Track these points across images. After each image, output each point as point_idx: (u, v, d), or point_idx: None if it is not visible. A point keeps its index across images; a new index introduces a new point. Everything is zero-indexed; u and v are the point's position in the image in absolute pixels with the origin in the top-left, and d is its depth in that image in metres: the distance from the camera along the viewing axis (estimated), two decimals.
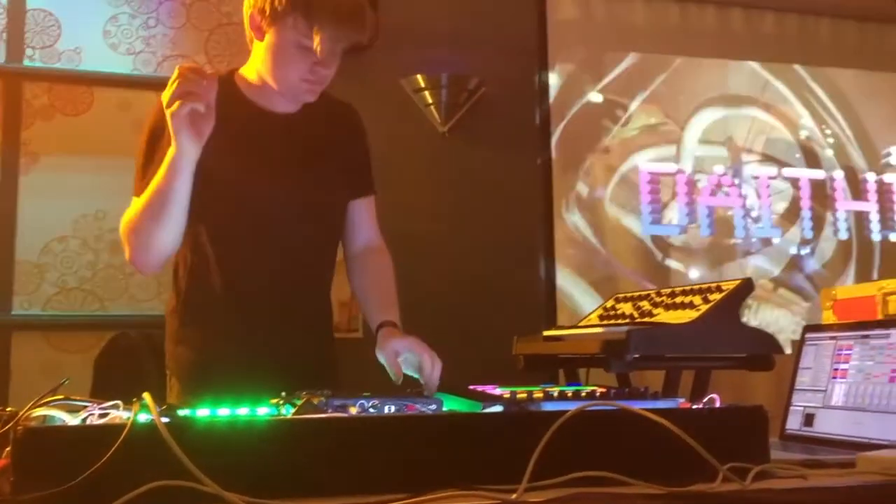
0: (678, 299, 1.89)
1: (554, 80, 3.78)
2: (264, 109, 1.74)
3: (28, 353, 3.28)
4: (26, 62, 3.41)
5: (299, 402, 1.29)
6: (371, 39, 1.71)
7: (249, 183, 1.70)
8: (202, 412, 1.19)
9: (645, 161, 3.91)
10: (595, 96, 3.87)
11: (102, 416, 1.16)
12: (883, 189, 4.24)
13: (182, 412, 1.16)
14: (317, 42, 1.58)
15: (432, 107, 3.56)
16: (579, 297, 3.69)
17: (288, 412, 1.28)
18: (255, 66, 1.73)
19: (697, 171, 3.97)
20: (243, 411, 1.25)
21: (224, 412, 1.21)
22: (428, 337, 2.70)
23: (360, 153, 1.86)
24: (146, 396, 1.11)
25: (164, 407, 1.14)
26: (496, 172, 3.66)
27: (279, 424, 1.17)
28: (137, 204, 1.72)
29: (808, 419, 1.70)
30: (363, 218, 1.86)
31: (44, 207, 3.37)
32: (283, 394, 1.34)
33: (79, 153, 3.42)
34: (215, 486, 1.00)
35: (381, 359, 1.68)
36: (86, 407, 1.19)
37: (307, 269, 1.78)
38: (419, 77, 3.54)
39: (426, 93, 3.53)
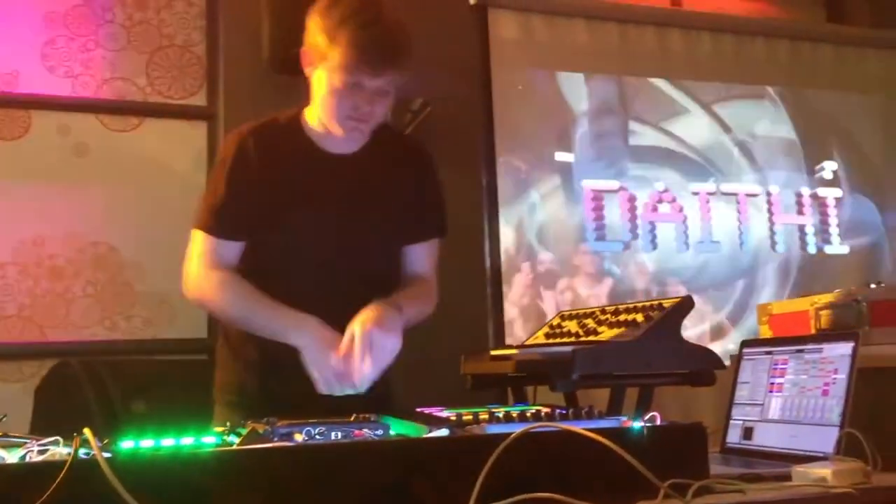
0: (622, 317, 1.92)
1: (497, 99, 3.82)
2: (326, 152, 1.76)
3: None
4: None
5: (244, 432, 1.29)
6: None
7: (306, 228, 1.73)
8: (145, 443, 1.18)
9: (588, 178, 3.97)
10: (538, 114, 3.93)
11: (42, 452, 1.14)
12: (817, 203, 4.37)
13: (124, 445, 1.15)
14: (359, 79, 1.63)
15: None
16: (527, 315, 3.73)
17: (233, 441, 1.27)
18: (311, 101, 1.77)
19: (639, 188, 4.05)
20: (188, 441, 1.24)
21: (168, 442, 1.20)
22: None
23: (426, 194, 1.87)
24: (87, 432, 1.10)
25: (106, 441, 1.13)
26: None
27: (222, 455, 1.17)
28: (237, 288, 1.71)
29: (747, 432, 1.75)
30: (419, 258, 1.86)
31: None
32: (228, 423, 1.34)
33: (16, 178, 3.35)
34: None
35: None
36: (25, 444, 1.17)
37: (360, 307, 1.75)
38: None
39: None
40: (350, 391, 1.58)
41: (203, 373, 3.17)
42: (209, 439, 1.26)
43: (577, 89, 4.02)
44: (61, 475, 1.02)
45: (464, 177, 3.76)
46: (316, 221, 1.74)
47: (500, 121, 3.80)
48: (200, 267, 1.73)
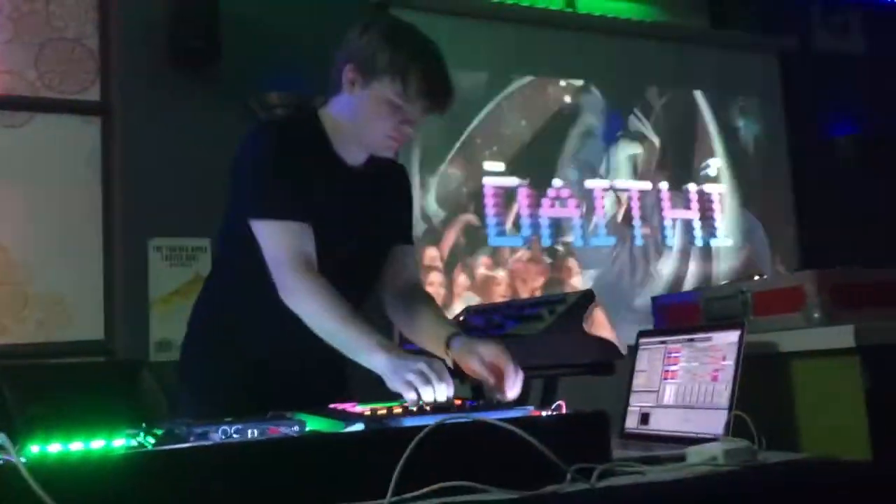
0: (526, 311, 2.00)
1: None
2: (340, 160, 1.81)
3: None
4: None
5: (160, 433, 1.29)
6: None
7: (321, 229, 1.76)
8: (52, 447, 1.16)
9: (489, 175, 4.07)
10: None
11: None
12: (703, 199, 4.60)
13: (37, 449, 1.13)
14: (408, 105, 1.69)
15: None
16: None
17: (149, 443, 1.27)
18: (340, 113, 1.78)
19: (537, 185, 4.16)
20: (98, 444, 1.22)
21: (78, 446, 1.18)
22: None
23: (406, 207, 1.98)
24: (1, 435, 1.08)
25: (18, 446, 1.11)
26: None
27: (136, 457, 1.17)
28: (329, 307, 1.69)
29: (644, 418, 1.84)
30: (406, 262, 1.93)
31: None
32: (144, 424, 1.33)
33: None
34: None
35: (468, 367, 1.69)
36: None
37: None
38: (269, 95, 3.54)
39: (274, 111, 3.53)
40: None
41: (100, 374, 3.11)
42: (119, 441, 1.26)
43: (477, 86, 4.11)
44: None
45: None
46: (329, 224, 1.78)
47: None
48: (280, 271, 1.73)
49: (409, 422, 1.36)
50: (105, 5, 3.55)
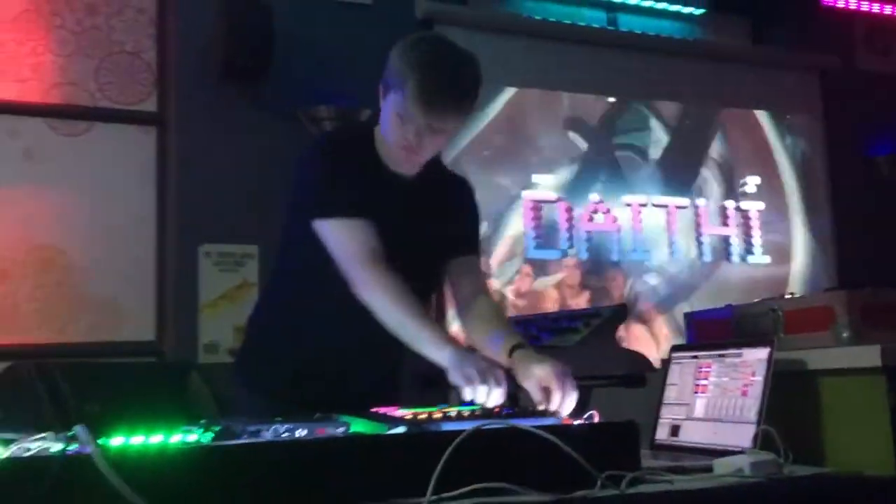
0: (562, 324, 2.07)
1: None
2: (390, 172, 1.85)
3: None
4: None
5: (217, 430, 1.38)
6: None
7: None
8: (116, 441, 1.26)
9: (529, 189, 4.14)
10: (482, 125, 4.09)
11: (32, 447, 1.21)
12: (741, 216, 4.62)
13: (110, 442, 1.23)
14: (411, 116, 1.71)
15: None
16: None
17: (207, 439, 1.36)
18: (379, 128, 1.84)
19: (576, 199, 4.23)
20: (158, 438, 1.31)
21: (155, 439, 1.27)
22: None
23: (470, 220, 2.00)
24: (79, 428, 1.18)
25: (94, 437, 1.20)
26: None
27: (204, 451, 1.26)
28: (399, 301, 1.74)
29: (675, 430, 1.89)
30: (470, 272, 1.97)
31: None
32: (203, 422, 1.43)
33: None
34: None
35: (522, 381, 1.73)
36: (14, 440, 1.24)
37: None
38: (318, 108, 3.66)
39: (323, 123, 3.65)
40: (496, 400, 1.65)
41: (152, 375, 3.23)
42: (179, 437, 1.35)
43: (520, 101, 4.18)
44: (56, 469, 1.11)
45: None
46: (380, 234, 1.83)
47: None
48: (352, 267, 1.78)
49: (449, 426, 1.43)
50: (163, 21, 3.70)
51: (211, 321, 3.45)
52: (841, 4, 5.02)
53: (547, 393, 1.68)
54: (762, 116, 4.77)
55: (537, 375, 1.70)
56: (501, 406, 1.66)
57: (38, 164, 3.47)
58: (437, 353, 1.68)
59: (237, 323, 3.43)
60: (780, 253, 4.67)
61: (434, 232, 1.91)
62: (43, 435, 1.24)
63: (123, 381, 3.02)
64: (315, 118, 3.71)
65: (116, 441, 1.24)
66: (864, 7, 5.08)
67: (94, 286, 3.48)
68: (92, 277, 3.48)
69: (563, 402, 1.67)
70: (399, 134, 1.75)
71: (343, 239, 1.78)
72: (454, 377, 1.65)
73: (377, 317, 1.75)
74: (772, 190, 4.73)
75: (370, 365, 1.92)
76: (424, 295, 1.94)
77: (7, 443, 1.24)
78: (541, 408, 1.68)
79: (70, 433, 1.21)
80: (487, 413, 1.56)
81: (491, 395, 1.61)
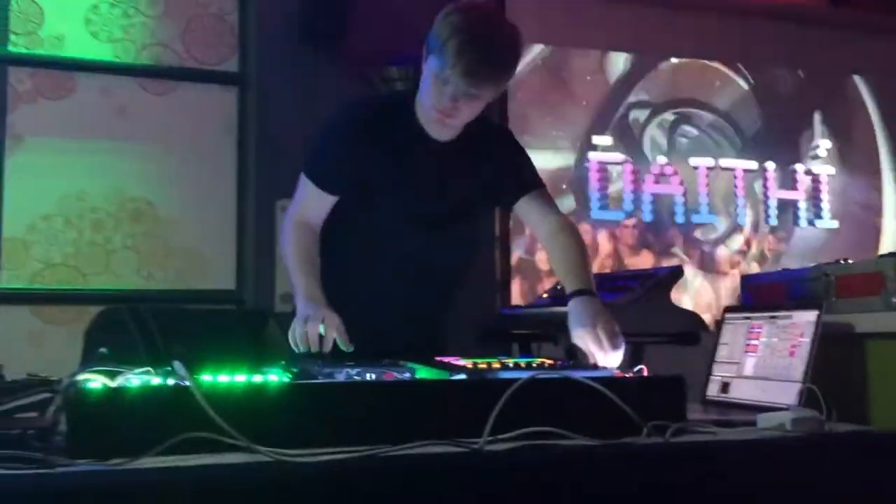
0: (619, 283, 2.16)
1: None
2: (430, 139, 1.91)
3: (15, 325, 3.43)
4: (10, 48, 3.52)
5: (296, 371, 1.53)
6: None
7: (402, 202, 1.94)
8: (206, 378, 1.41)
9: (595, 150, 4.19)
10: (550, 88, 4.14)
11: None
12: (811, 180, 4.58)
13: (204, 377, 1.39)
14: (448, 79, 1.74)
15: None
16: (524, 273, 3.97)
17: (287, 378, 1.51)
18: (419, 91, 1.88)
19: (641, 161, 4.26)
20: (241, 378, 1.46)
21: (240, 378, 1.42)
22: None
23: (516, 162, 2.04)
24: (177, 364, 1.34)
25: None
26: None
27: (287, 388, 1.41)
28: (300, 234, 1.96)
29: (725, 387, 1.98)
30: (538, 208, 2.01)
31: (29, 187, 3.51)
32: (283, 363, 1.58)
33: (62, 135, 3.57)
34: (245, 439, 1.24)
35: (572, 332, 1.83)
36: (121, 373, 1.41)
37: (434, 276, 2.02)
38: (392, 69, 3.77)
39: (397, 83, 3.75)
40: None
41: (232, 321, 3.42)
42: (273, 377, 1.50)
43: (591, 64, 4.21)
44: (159, 397, 1.27)
45: None
46: (408, 199, 1.93)
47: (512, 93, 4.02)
48: (289, 217, 1.98)
49: (506, 374, 1.55)
50: None
51: (287, 273, 3.61)
52: None
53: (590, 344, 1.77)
54: (833, 79, 4.69)
55: (581, 330, 1.78)
56: (556, 359, 1.77)
57: (129, 121, 3.67)
58: (296, 299, 1.87)
59: None
60: (848, 217, 4.62)
61: (475, 188, 1.98)
62: (144, 369, 1.41)
63: (207, 327, 3.20)
64: (388, 78, 3.82)
65: (206, 378, 1.40)
66: None
67: (180, 237, 3.69)
68: (177, 228, 3.69)
69: (605, 359, 1.75)
70: (435, 97, 1.78)
71: (299, 197, 1.98)
72: (294, 323, 1.80)
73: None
74: (843, 155, 4.67)
75: (410, 321, 2.01)
76: (466, 243, 2.04)
77: (113, 375, 1.41)
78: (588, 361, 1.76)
79: (166, 369, 1.38)
80: (541, 365, 1.66)
81: (321, 344, 1.74)
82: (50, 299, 3.50)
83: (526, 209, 2.01)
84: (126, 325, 2.84)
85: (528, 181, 2.02)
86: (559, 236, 1.98)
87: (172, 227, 3.69)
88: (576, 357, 2.11)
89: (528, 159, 2.06)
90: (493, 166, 1.99)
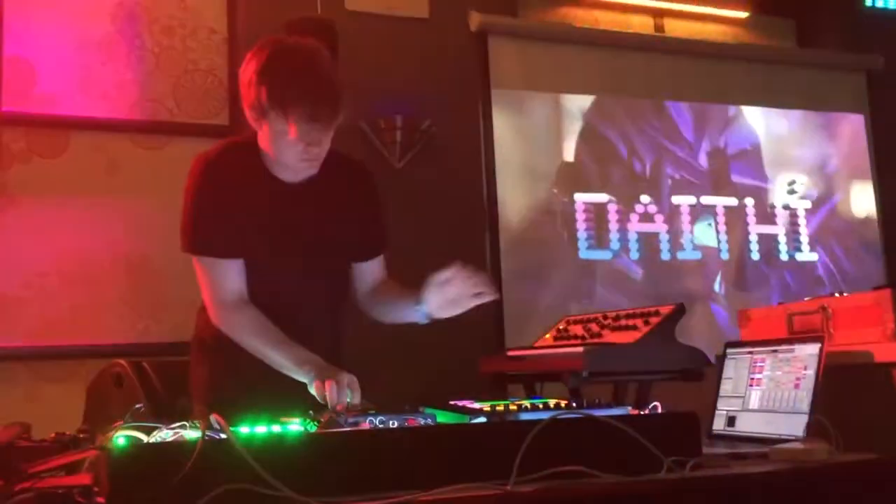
0: (622, 322, 2.22)
1: (497, 119, 4.13)
2: (281, 181, 1.91)
3: (10, 383, 3.41)
4: (3, 108, 3.54)
5: (322, 420, 1.55)
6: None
7: (268, 251, 1.90)
8: (244, 429, 1.44)
9: (580, 192, 4.28)
10: (534, 131, 4.24)
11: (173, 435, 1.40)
12: (789, 214, 4.71)
13: (241, 430, 1.41)
14: (295, 131, 1.77)
15: (389, 146, 3.88)
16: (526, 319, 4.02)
17: (311, 427, 1.53)
18: (262, 142, 1.88)
19: (626, 201, 4.36)
20: (276, 428, 1.48)
21: (261, 429, 1.45)
22: (388, 357, 2.93)
23: (372, 214, 2.05)
24: (215, 416, 1.37)
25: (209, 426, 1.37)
26: (446, 204, 3.98)
27: (321, 437, 1.44)
28: (259, 332, 1.86)
29: (731, 420, 2.03)
30: (373, 273, 2.07)
31: (25, 244, 3.51)
32: (311, 412, 1.60)
33: (56, 193, 3.58)
34: (288, 490, 1.27)
35: (444, 299, 1.93)
36: (157, 428, 1.43)
37: (317, 322, 1.98)
38: (379, 120, 3.85)
39: (384, 134, 3.84)
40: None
41: None
42: (293, 426, 1.52)
43: (572, 108, 4.32)
44: (196, 451, 1.29)
45: (466, 189, 4.06)
46: (275, 248, 1.90)
47: (499, 138, 4.11)
48: (219, 309, 1.89)
49: (526, 416, 1.59)
50: (234, 40, 3.89)
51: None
52: (884, 4, 5.06)
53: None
54: (807, 115, 4.84)
55: (443, 285, 1.89)
56: (569, 399, 1.81)
57: (122, 176, 3.69)
58: (301, 371, 1.80)
59: None
60: (827, 250, 4.74)
61: (333, 233, 1.96)
62: (179, 423, 1.43)
63: None
64: (376, 128, 3.90)
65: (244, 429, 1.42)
66: None
67: (175, 289, 3.68)
68: (172, 280, 3.69)
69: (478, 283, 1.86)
70: (295, 150, 1.81)
71: (209, 281, 1.90)
72: (314, 390, 1.76)
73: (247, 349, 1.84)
74: (818, 188, 4.80)
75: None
76: (330, 293, 2.00)
77: (148, 430, 1.43)
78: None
79: (193, 423, 1.39)
80: (559, 405, 1.71)
81: (342, 396, 1.73)
82: (46, 356, 3.48)
83: (367, 269, 2.06)
84: (129, 380, 2.84)
85: (379, 245, 2.07)
86: (384, 283, 2.07)
87: (167, 280, 3.69)
88: (581, 396, 2.16)
89: (382, 213, 2.08)
90: (348, 212, 1.99)
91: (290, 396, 1.80)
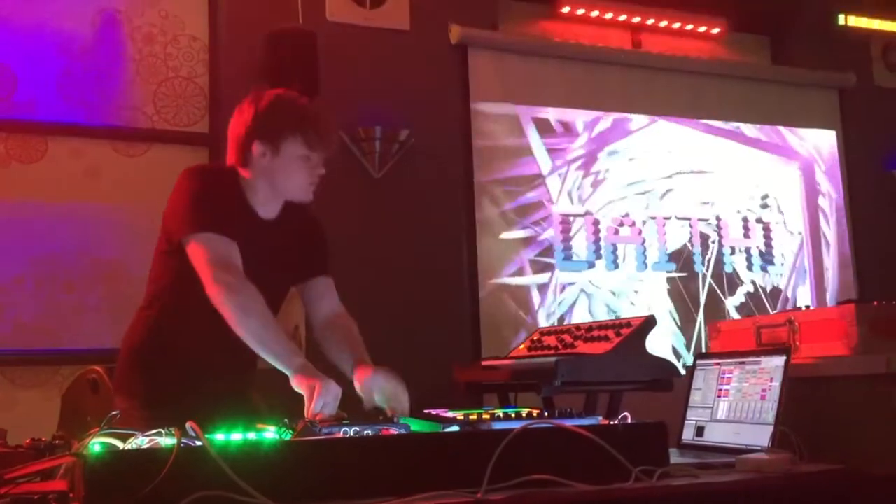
0: (594, 333, 2.25)
1: (475, 130, 4.17)
2: (258, 216, 2.07)
3: None
4: None
5: (297, 428, 1.57)
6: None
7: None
8: (219, 436, 1.46)
9: (558, 203, 4.33)
10: (512, 143, 4.29)
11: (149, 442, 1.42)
12: (762, 227, 4.78)
13: (216, 437, 1.43)
14: (316, 155, 2.03)
15: (369, 156, 3.91)
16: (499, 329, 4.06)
17: (287, 436, 1.56)
18: (255, 177, 2.04)
19: (601, 213, 4.42)
20: (251, 435, 1.51)
21: (236, 436, 1.47)
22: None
23: (319, 248, 2.23)
24: (192, 425, 1.39)
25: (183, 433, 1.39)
26: (424, 214, 4.01)
27: (295, 445, 1.46)
28: (257, 311, 1.89)
29: (700, 431, 2.07)
30: (323, 293, 2.19)
31: (1, 249, 3.50)
32: (285, 420, 1.63)
33: (34, 198, 3.58)
34: (262, 497, 1.29)
35: (358, 390, 1.98)
36: (133, 435, 1.44)
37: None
38: (359, 130, 3.88)
39: (363, 143, 3.87)
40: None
41: None
42: (269, 434, 1.55)
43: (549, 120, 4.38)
44: (171, 458, 1.31)
45: (444, 199, 4.09)
46: (249, 264, 1.99)
47: (477, 148, 4.16)
48: (216, 283, 1.89)
49: (499, 425, 1.62)
50: (214, 48, 3.93)
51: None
52: (857, 24, 5.17)
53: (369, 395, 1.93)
54: (781, 131, 4.93)
55: (368, 383, 1.95)
56: (542, 409, 1.85)
57: (101, 182, 3.70)
58: (290, 361, 1.85)
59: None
60: (798, 264, 4.82)
61: (289, 263, 2.14)
62: (155, 431, 1.44)
63: None
64: (356, 137, 3.93)
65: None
66: (880, 26, 5.23)
67: None
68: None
69: (396, 406, 1.90)
70: (305, 173, 2.03)
71: (213, 257, 1.92)
72: (299, 384, 1.82)
73: (231, 321, 1.87)
74: (790, 203, 4.89)
75: (233, 370, 2.08)
76: (275, 309, 2.09)
77: (124, 437, 1.45)
78: (369, 406, 1.92)
79: (169, 430, 1.41)
80: (531, 415, 1.74)
81: (325, 407, 1.77)
82: (21, 362, 3.47)
83: (315, 289, 2.18)
84: (105, 386, 2.84)
85: (325, 265, 2.22)
86: (340, 319, 2.17)
87: (144, 286, 3.69)
88: (554, 405, 2.20)
89: (328, 247, 2.25)
90: (304, 247, 2.17)
91: (229, 401, 1.94)
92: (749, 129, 4.85)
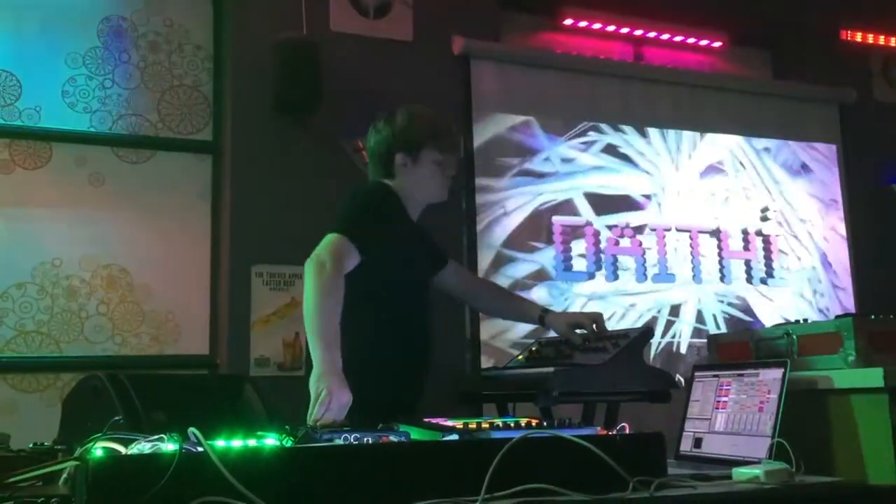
0: (593, 343, 2.26)
1: (478, 142, 4.19)
2: (412, 221, 2.39)
3: None
4: None
5: (298, 436, 1.58)
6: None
7: (411, 275, 2.36)
8: (220, 443, 1.46)
9: (557, 214, 4.34)
10: (514, 153, 4.30)
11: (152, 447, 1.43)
12: (762, 241, 4.79)
13: (218, 443, 1.44)
14: (447, 158, 2.36)
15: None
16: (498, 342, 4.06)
17: (288, 442, 1.57)
18: (402, 187, 2.33)
19: (601, 224, 4.43)
20: (252, 442, 1.52)
21: (237, 443, 1.47)
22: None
23: (434, 240, 2.59)
24: (194, 430, 1.40)
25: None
26: (426, 224, 4.01)
27: (296, 451, 1.47)
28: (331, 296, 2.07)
29: (697, 442, 2.09)
30: (457, 269, 2.66)
31: (3, 255, 3.52)
32: (287, 427, 1.64)
33: (37, 205, 3.60)
34: (263, 503, 1.30)
35: (559, 332, 2.41)
36: (135, 440, 1.45)
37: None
38: (359, 140, 3.90)
39: (365, 153, 3.87)
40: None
41: (210, 386, 3.43)
42: (271, 441, 1.56)
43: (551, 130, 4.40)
44: (173, 464, 1.32)
45: (446, 209, 4.10)
46: (410, 256, 2.35)
47: (479, 158, 4.18)
48: (332, 266, 2.08)
49: (498, 434, 1.63)
50: (219, 57, 3.95)
51: (261, 337, 3.66)
52: (858, 39, 5.19)
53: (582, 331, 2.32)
54: (782, 145, 4.95)
55: (569, 321, 2.38)
56: (540, 419, 1.86)
57: (104, 189, 3.71)
58: (323, 355, 1.95)
59: (286, 338, 3.66)
60: (798, 277, 4.83)
61: (429, 252, 2.51)
62: (157, 437, 1.45)
63: (185, 392, 3.21)
64: (356, 148, 3.94)
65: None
66: (881, 41, 5.26)
67: (154, 302, 3.72)
68: (151, 294, 3.72)
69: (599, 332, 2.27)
70: (441, 180, 2.36)
71: (339, 255, 2.10)
72: (312, 384, 1.91)
73: (310, 290, 2.04)
74: (792, 216, 4.90)
75: (426, 375, 2.35)
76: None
77: (126, 443, 1.46)
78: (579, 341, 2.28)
79: (171, 436, 1.42)
80: (530, 424, 1.75)
81: (328, 413, 1.86)
82: (23, 367, 3.48)
83: (450, 276, 2.58)
84: (107, 392, 2.85)
85: (446, 251, 2.63)
86: (491, 282, 2.72)
87: (146, 293, 3.72)
88: (552, 415, 2.21)
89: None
90: (427, 237, 2.53)
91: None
92: (753, 142, 4.86)
